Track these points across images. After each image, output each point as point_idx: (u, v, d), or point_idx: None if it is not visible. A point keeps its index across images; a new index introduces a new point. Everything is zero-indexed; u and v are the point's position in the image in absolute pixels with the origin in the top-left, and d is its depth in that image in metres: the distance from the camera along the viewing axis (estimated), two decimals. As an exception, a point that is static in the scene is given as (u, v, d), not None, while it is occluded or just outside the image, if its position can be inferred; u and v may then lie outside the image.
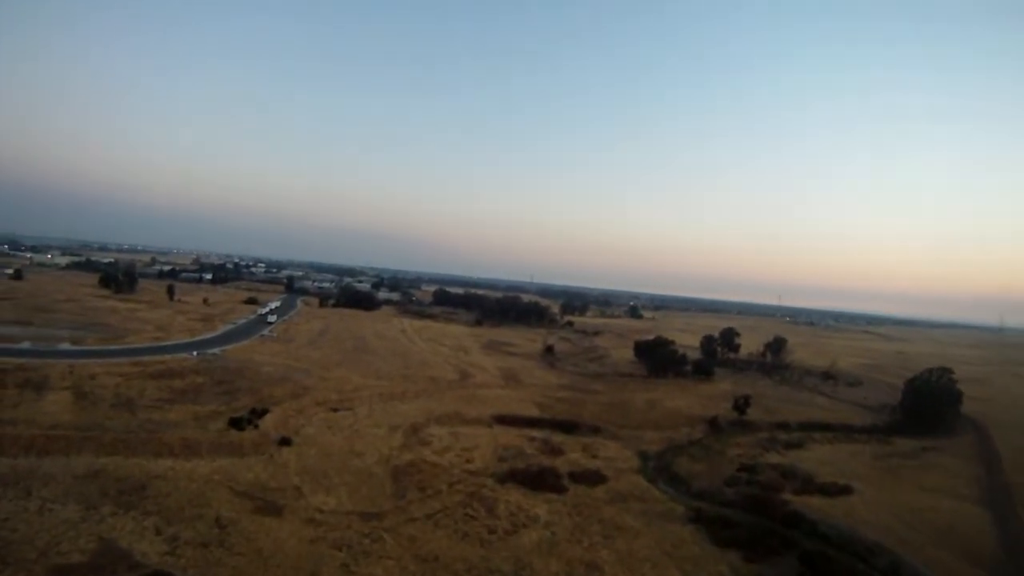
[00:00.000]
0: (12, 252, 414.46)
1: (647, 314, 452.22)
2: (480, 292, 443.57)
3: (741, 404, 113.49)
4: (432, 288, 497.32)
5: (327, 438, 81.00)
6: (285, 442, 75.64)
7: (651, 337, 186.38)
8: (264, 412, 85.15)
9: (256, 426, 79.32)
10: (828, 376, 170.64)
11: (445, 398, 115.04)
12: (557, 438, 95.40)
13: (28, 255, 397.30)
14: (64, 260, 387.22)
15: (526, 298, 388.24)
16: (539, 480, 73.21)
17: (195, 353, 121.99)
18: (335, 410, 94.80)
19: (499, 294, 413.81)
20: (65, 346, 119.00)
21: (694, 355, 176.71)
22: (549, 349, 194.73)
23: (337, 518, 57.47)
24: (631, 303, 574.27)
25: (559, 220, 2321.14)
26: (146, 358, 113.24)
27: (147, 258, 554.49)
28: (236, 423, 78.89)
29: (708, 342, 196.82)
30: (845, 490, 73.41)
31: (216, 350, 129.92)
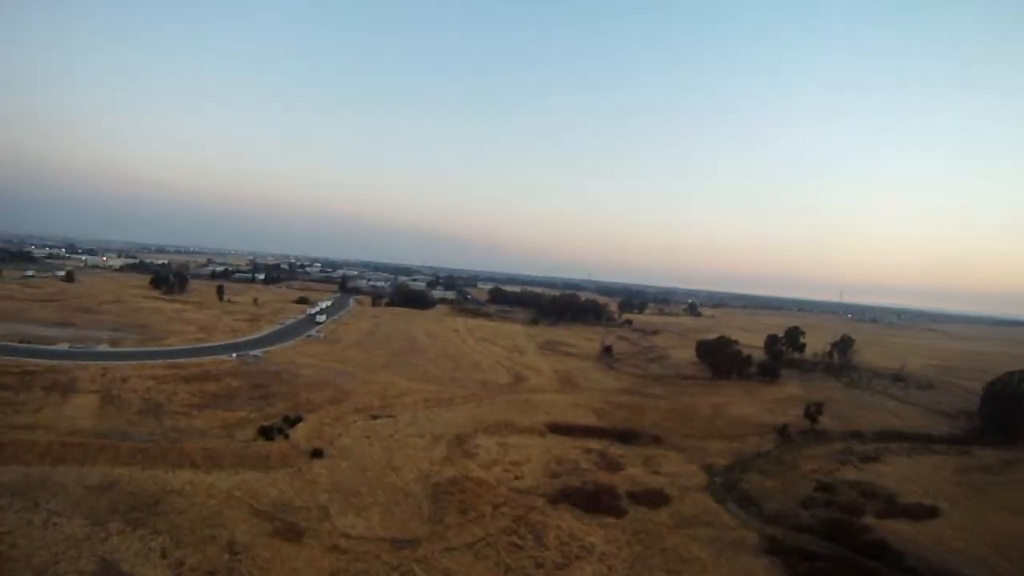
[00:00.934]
0: (68, 255, 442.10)
1: (706, 312, 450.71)
2: (537, 290, 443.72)
3: (813, 412, 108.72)
4: (488, 287, 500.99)
5: (363, 449, 76.47)
6: (317, 454, 71.51)
7: (713, 337, 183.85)
8: (297, 420, 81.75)
9: (287, 436, 75.73)
10: (898, 378, 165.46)
11: (496, 404, 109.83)
12: (616, 450, 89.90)
13: (83, 258, 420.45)
14: (118, 262, 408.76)
15: (583, 296, 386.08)
16: (595, 501, 67.24)
17: (234, 355, 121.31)
18: (375, 417, 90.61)
19: (556, 292, 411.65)
20: (103, 347, 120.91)
21: (757, 355, 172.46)
22: (607, 350, 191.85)
23: (364, 545, 52.24)
24: (689, 301, 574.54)
25: (617, 218, 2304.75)
26: (183, 360, 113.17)
27: (203, 259, 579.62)
28: (266, 432, 75.60)
29: (772, 342, 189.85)
30: (931, 512, 68.37)
31: (257, 352, 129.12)
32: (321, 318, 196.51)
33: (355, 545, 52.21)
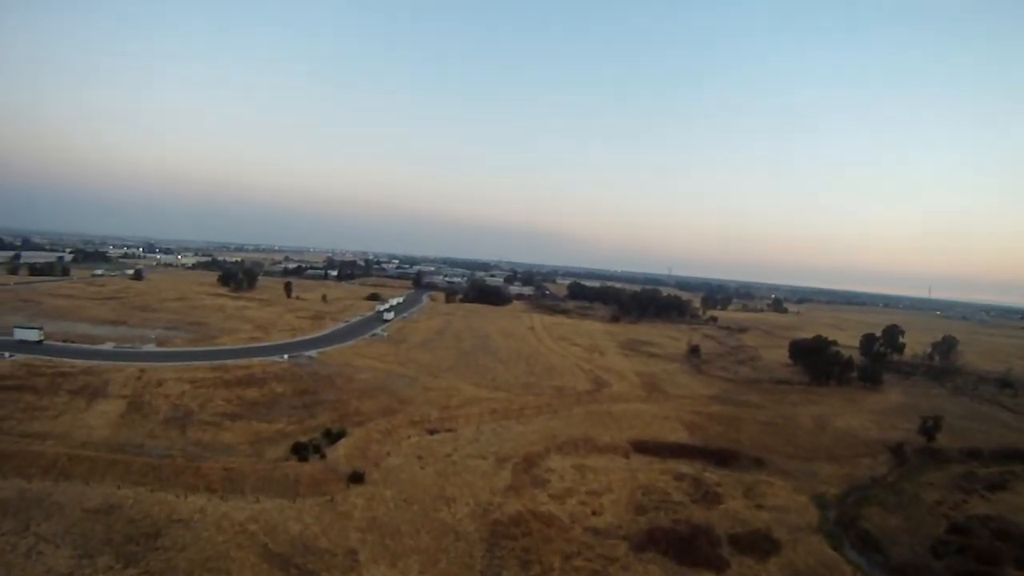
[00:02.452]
0: (144, 255, 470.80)
1: (791, 308, 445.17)
2: (617, 286, 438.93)
3: (930, 427, 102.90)
4: (567, 282, 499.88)
5: (413, 473, 67.66)
6: (356, 479, 63.31)
7: (808, 336, 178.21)
8: (340, 435, 74.21)
9: (323, 455, 68.08)
10: (1006, 383, 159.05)
11: (573, 416, 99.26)
12: (712, 475, 79.31)
13: (157, 256, 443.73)
14: (191, 260, 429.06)
15: (665, 292, 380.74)
16: (690, 548, 57.06)
17: (286, 356, 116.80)
18: (432, 432, 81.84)
19: (637, 288, 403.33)
20: (149, 347, 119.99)
21: (853, 355, 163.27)
22: (694, 350, 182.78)
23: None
24: (772, 296, 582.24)
25: (697, 212, 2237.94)
26: (230, 362, 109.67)
27: (280, 257, 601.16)
28: (299, 450, 68.39)
29: (869, 342, 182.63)
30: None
31: (312, 352, 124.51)
32: (389, 315, 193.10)
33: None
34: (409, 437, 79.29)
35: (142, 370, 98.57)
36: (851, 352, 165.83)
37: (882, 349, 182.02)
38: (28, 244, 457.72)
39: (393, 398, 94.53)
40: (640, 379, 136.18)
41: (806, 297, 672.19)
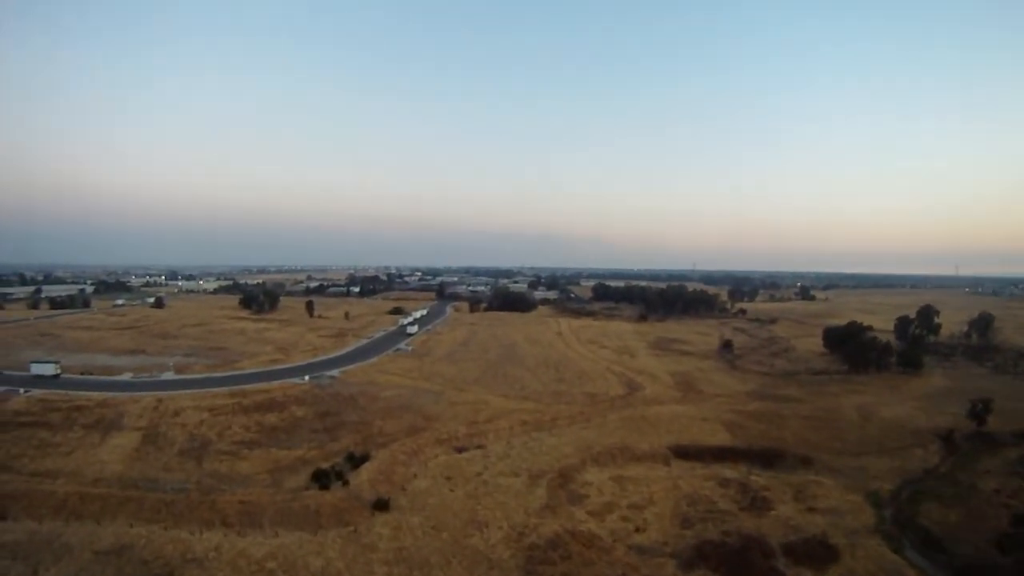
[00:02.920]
0: (166, 283, 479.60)
1: (818, 295, 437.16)
2: (641, 284, 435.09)
3: (980, 411, 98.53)
4: (591, 283, 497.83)
5: (442, 497, 64.21)
6: (381, 506, 60.10)
7: (841, 323, 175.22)
8: (363, 459, 71.21)
9: (346, 482, 65.01)
10: None
11: (607, 423, 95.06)
12: (758, 478, 75.28)
13: (179, 283, 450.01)
14: (213, 285, 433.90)
15: (691, 287, 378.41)
16: (743, 563, 52.96)
17: (307, 378, 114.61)
18: (461, 450, 78.40)
19: (662, 285, 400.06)
20: (168, 375, 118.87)
21: (887, 339, 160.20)
22: (727, 345, 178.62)
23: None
24: (798, 284, 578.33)
25: (716, 204, 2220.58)
26: (250, 386, 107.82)
27: (303, 277, 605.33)
28: (320, 477, 65.49)
29: (903, 325, 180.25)
30: None
31: (334, 372, 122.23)
32: (412, 329, 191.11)
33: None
34: (436, 457, 75.93)
35: (159, 400, 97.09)
36: (886, 336, 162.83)
37: (918, 331, 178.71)
38: (51, 278, 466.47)
39: (418, 416, 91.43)
40: (674, 379, 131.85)
41: (832, 283, 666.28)
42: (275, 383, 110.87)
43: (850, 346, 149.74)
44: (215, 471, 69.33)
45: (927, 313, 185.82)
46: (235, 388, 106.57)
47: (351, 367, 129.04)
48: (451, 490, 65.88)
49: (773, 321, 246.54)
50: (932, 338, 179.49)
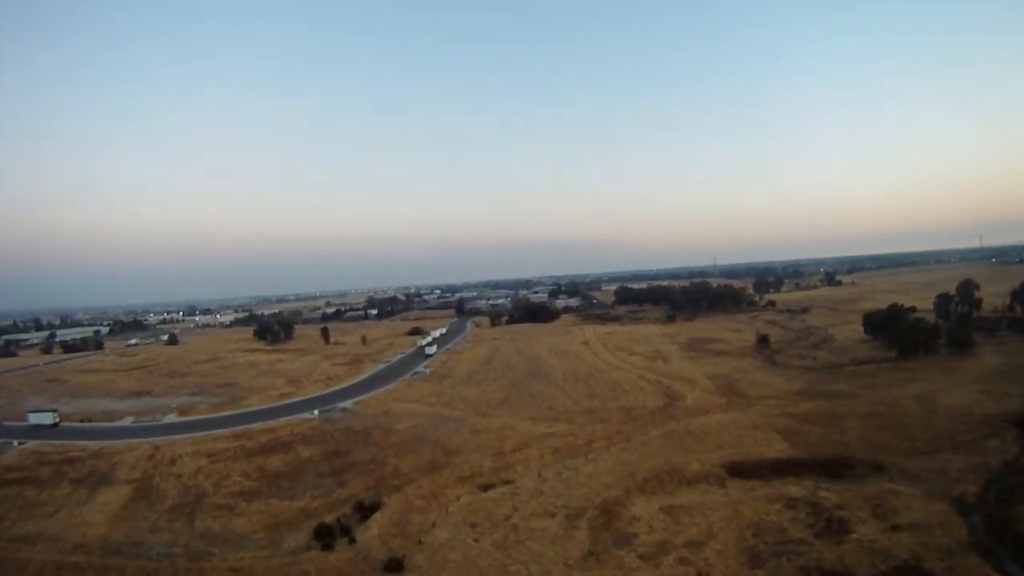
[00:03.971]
0: (183, 319, 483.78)
1: (844, 279, 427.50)
2: (664, 284, 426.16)
3: None
4: (613, 287, 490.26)
5: (465, 550, 54.58)
6: (394, 567, 50.81)
7: (875, 307, 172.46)
8: (374, 507, 62.24)
9: (353, 539, 55.94)
10: None
11: (649, 441, 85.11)
12: (828, 494, 64.79)
13: (196, 318, 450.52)
14: (229, 318, 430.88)
15: (714, 283, 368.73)
16: None
17: (316, 412, 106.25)
18: (486, 488, 68.75)
19: (685, 283, 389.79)
20: (170, 418, 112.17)
21: (930, 319, 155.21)
22: (763, 340, 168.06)
23: None
24: (821, 270, 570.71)
25: (730, 197, 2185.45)
26: (256, 425, 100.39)
27: (322, 303, 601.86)
28: (323, 534, 56.71)
29: (943, 302, 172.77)
30: None
31: (347, 403, 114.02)
32: (431, 349, 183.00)
33: None
34: (459, 499, 66.35)
35: (156, 447, 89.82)
36: (927, 316, 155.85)
37: (960, 308, 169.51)
38: (68, 322, 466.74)
39: (438, 449, 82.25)
40: (714, 383, 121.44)
41: (855, 266, 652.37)
42: (282, 420, 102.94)
43: (895, 330, 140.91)
44: (207, 530, 60.76)
45: (967, 288, 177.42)
46: (239, 428, 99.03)
47: (365, 396, 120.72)
48: (476, 540, 56.17)
49: (805, 311, 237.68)
50: (975, 314, 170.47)
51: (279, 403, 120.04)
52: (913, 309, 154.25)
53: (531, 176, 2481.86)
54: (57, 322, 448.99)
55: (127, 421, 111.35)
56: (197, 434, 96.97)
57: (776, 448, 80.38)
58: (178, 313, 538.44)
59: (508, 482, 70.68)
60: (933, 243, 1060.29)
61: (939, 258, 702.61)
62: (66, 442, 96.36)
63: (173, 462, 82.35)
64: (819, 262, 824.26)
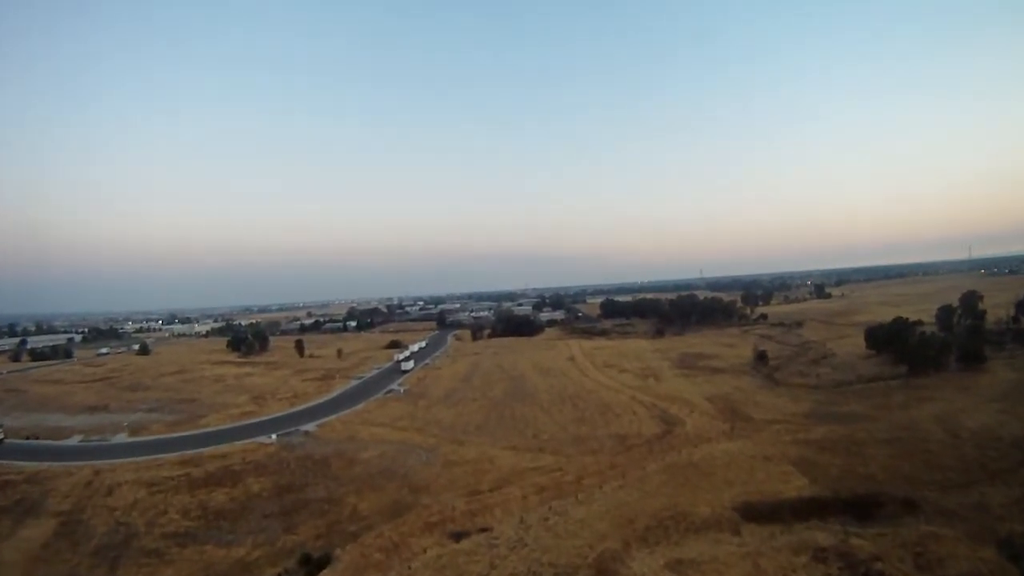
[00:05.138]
0: (160, 327, 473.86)
1: (833, 292, 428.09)
2: (650, 297, 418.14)
3: None
4: (598, 300, 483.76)
5: (428, 622, 45.56)
6: (338, 643, 41.80)
7: (883, 321, 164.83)
8: (324, 562, 52.79)
9: (291, 605, 46.80)
10: None
11: (648, 477, 74.67)
12: (860, 542, 53.35)
13: (172, 327, 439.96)
14: (204, 328, 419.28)
15: (701, 295, 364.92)
16: None
17: (274, 436, 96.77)
18: (458, 537, 58.94)
19: (671, 295, 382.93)
20: (120, 438, 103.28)
21: (937, 333, 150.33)
22: (761, 356, 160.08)
23: None
24: (809, 282, 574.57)
25: (714, 209, 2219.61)
26: (208, 450, 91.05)
27: (302, 313, 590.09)
28: (259, 595, 47.32)
29: (946, 315, 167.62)
30: None
31: (311, 426, 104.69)
32: (408, 365, 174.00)
33: None
34: (425, 551, 56.00)
35: (96, 472, 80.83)
36: (929, 329, 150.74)
37: (967, 321, 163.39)
38: (44, 328, 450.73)
39: (404, 485, 73.08)
40: (714, 406, 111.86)
41: (843, 278, 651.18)
42: (237, 444, 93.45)
43: (902, 345, 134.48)
44: (126, 586, 51.49)
45: (970, 299, 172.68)
46: (189, 453, 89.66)
47: (331, 418, 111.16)
48: (443, 609, 47.13)
49: (799, 324, 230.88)
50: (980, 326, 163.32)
51: (238, 423, 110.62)
52: (919, 323, 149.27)
53: (516, 188, 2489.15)
54: (33, 328, 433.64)
55: (74, 440, 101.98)
56: (143, 458, 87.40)
57: (794, 484, 69.96)
58: (157, 321, 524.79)
59: (484, 530, 60.38)
60: (922, 255, 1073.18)
61: (927, 270, 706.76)
62: (4, 462, 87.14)
63: (110, 491, 73.08)
64: (806, 275, 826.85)
